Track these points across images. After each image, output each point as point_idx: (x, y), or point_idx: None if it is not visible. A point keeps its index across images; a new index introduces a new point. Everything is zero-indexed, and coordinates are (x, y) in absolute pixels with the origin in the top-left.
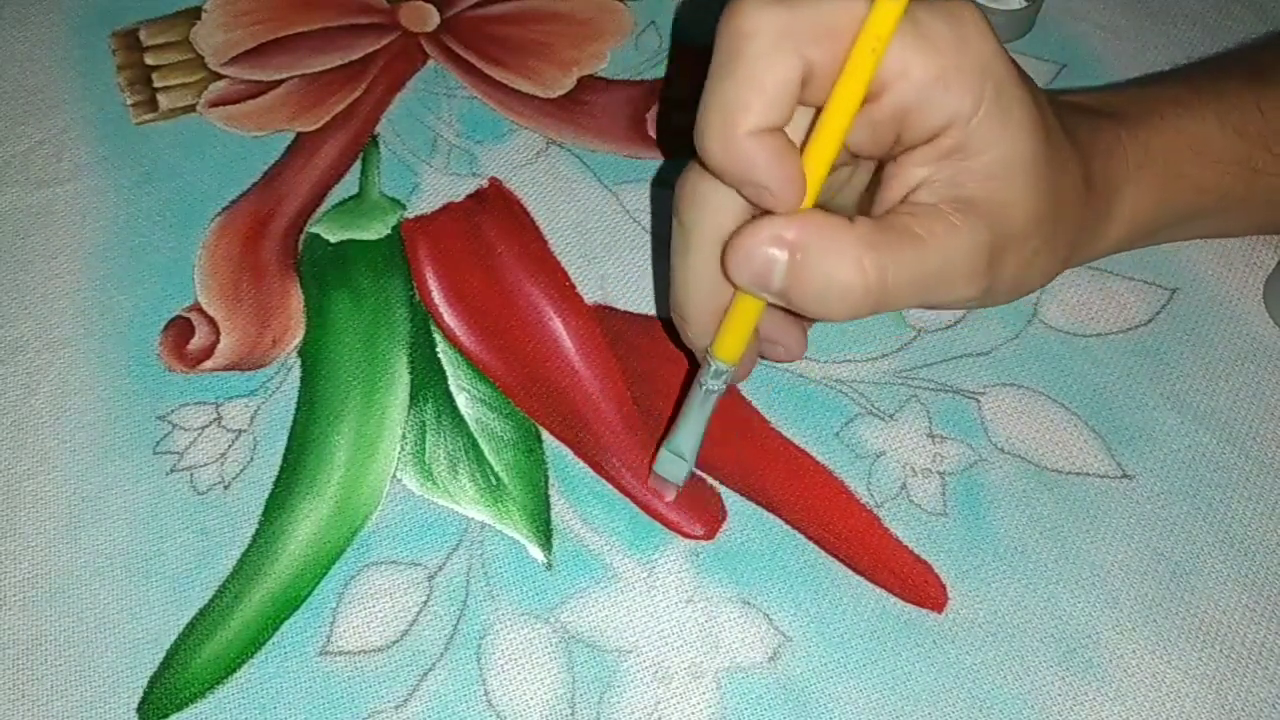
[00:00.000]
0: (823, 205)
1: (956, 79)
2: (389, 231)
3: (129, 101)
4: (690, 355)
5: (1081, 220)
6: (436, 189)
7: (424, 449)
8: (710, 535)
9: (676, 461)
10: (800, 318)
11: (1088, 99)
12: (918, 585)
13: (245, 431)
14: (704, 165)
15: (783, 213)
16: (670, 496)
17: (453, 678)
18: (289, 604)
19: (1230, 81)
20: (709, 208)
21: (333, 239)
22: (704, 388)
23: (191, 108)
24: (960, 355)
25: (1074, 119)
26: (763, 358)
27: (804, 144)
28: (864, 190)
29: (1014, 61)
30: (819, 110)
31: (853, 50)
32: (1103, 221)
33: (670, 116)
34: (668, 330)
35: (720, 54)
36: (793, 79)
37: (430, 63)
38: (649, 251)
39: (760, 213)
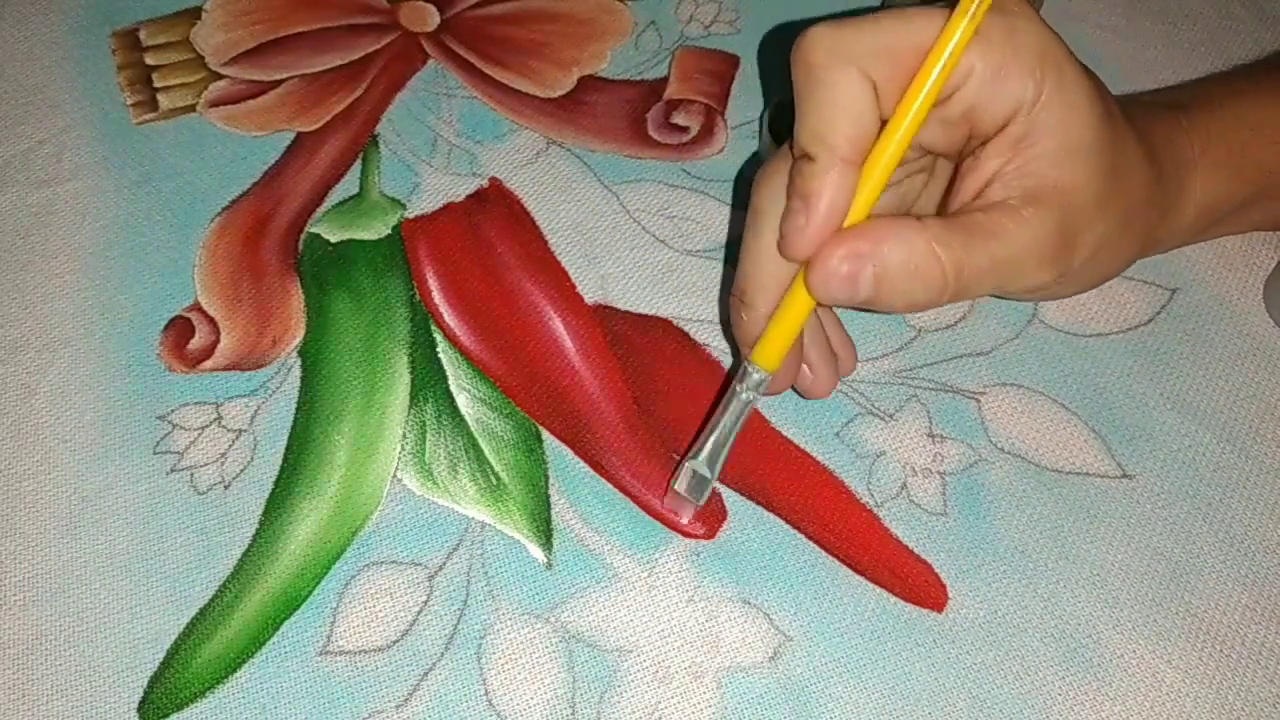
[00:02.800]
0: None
1: (1015, 68)
2: (389, 231)
3: (129, 101)
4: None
5: (1152, 203)
6: (436, 189)
7: (424, 449)
8: (710, 535)
9: (699, 477)
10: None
11: (1145, 96)
12: (918, 585)
13: (245, 431)
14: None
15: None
16: (687, 517)
17: (453, 677)
18: (289, 604)
19: None
20: (780, 195)
21: (333, 239)
22: (740, 396)
23: (191, 108)
24: (960, 355)
25: (1134, 108)
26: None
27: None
28: (942, 197)
29: (1068, 47)
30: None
31: (923, 66)
32: (1175, 205)
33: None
34: (725, 331)
35: (797, 85)
36: (861, 97)
37: (430, 63)
38: (649, 251)
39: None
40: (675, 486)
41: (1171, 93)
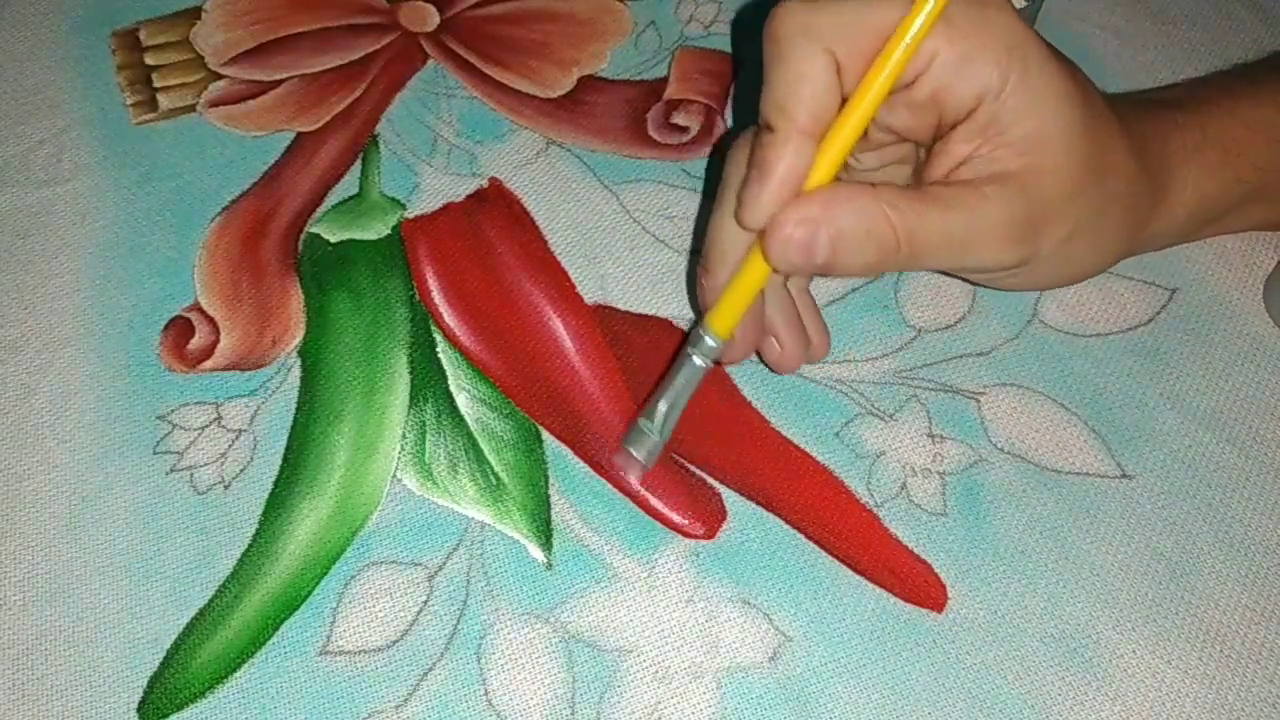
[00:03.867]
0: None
1: (981, 56)
2: (389, 231)
3: (129, 101)
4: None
5: (1137, 198)
6: (436, 189)
7: (424, 449)
8: (710, 535)
9: (648, 437)
10: (805, 325)
11: (1141, 95)
12: (918, 585)
13: (245, 431)
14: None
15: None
16: (635, 477)
17: (453, 678)
18: (289, 604)
19: None
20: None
21: (333, 239)
22: (692, 360)
23: (191, 108)
24: (960, 355)
25: (1126, 107)
26: (762, 359)
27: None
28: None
29: (1046, 42)
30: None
31: (885, 48)
32: (1164, 202)
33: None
34: (691, 299)
35: (765, 56)
36: (822, 73)
37: (430, 63)
38: (649, 251)
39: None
40: (625, 445)
41: (1169, 91)
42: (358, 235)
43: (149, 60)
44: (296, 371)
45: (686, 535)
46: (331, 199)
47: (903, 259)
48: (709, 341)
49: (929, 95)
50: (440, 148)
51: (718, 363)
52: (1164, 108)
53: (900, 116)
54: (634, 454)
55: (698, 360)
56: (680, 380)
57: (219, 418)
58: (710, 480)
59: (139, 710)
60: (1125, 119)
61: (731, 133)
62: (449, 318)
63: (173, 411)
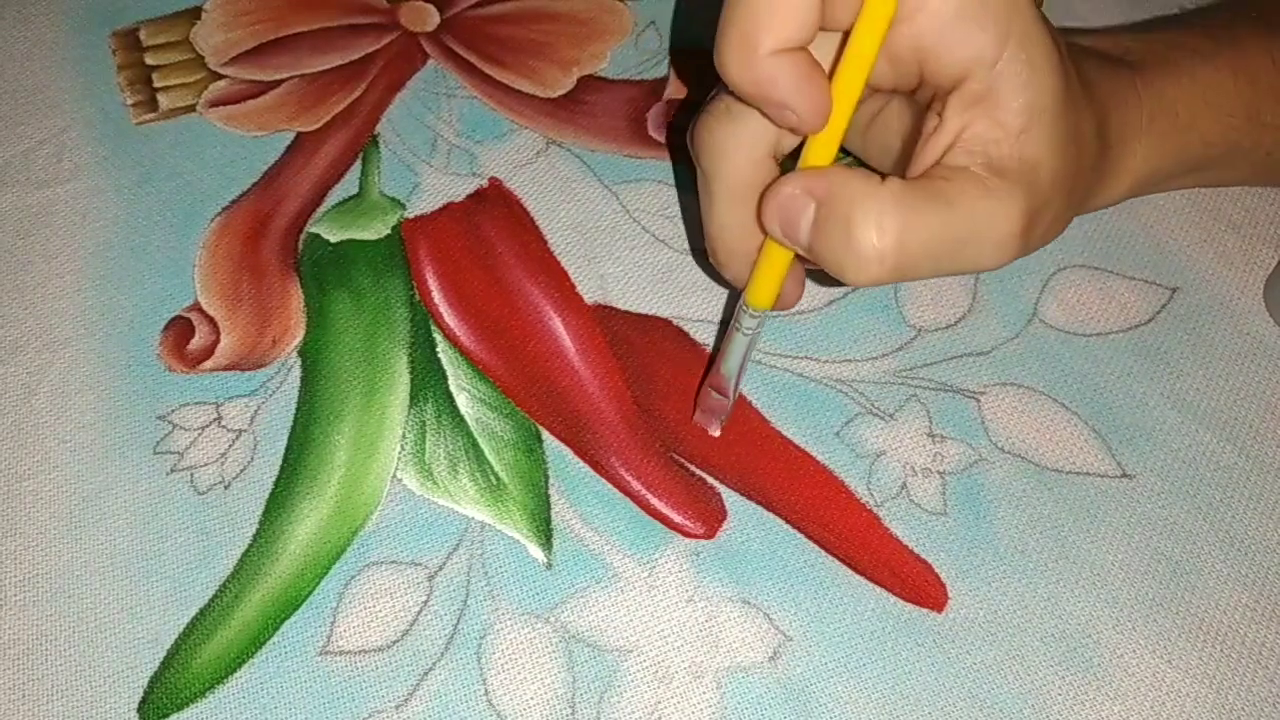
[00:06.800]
0: (860, 159)
1: (979, 16)
2: (389, 231)
3: (129, 101)
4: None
5: (1095, 173)
6: (436, 189)
7: (424, 449)
8: (710, 535)
9: (718, 399)
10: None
11: (1104, 43)
12: (918, 585)
13: (245, 431)
14: (725, 90)
15: (808, 132)
16: (715, 431)
17: (453, 677)
18: (289, 604)
19: (1244, 29)
20: (729, 155)
21: (333, 239)
22: (740, 331)
23: (191, 108)
24: (960, 355)
25: (1091, 67)
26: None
27: (831, 70)
28: (901, 149)
29: (1035, 3)
30: (844, 36)
31: None
32: (1112, 175)
33: (676, 118)
34: (700, 260)
35: None
36: None
37: (430, 63)
38: (649, 251)
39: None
40: (699, 414)
41: (1131, 40)
42: (358, 235)
43: (149, 60)
44: (297, 371)
45: (686, 535)
46: (331, 199)
47: (890, 266)
48: (753, 316)
49: (912, 46)
50: (440, 148)
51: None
52: (1121, 69)
53: (877, 66)
54: (711, 415)
55: (746, 331)
56: (735, 350)
57: (219, 418)
58: (710, 480)
59: (139, 710)
60: (1092, 87)
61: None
62: (449, 318)
63: (173, 411)
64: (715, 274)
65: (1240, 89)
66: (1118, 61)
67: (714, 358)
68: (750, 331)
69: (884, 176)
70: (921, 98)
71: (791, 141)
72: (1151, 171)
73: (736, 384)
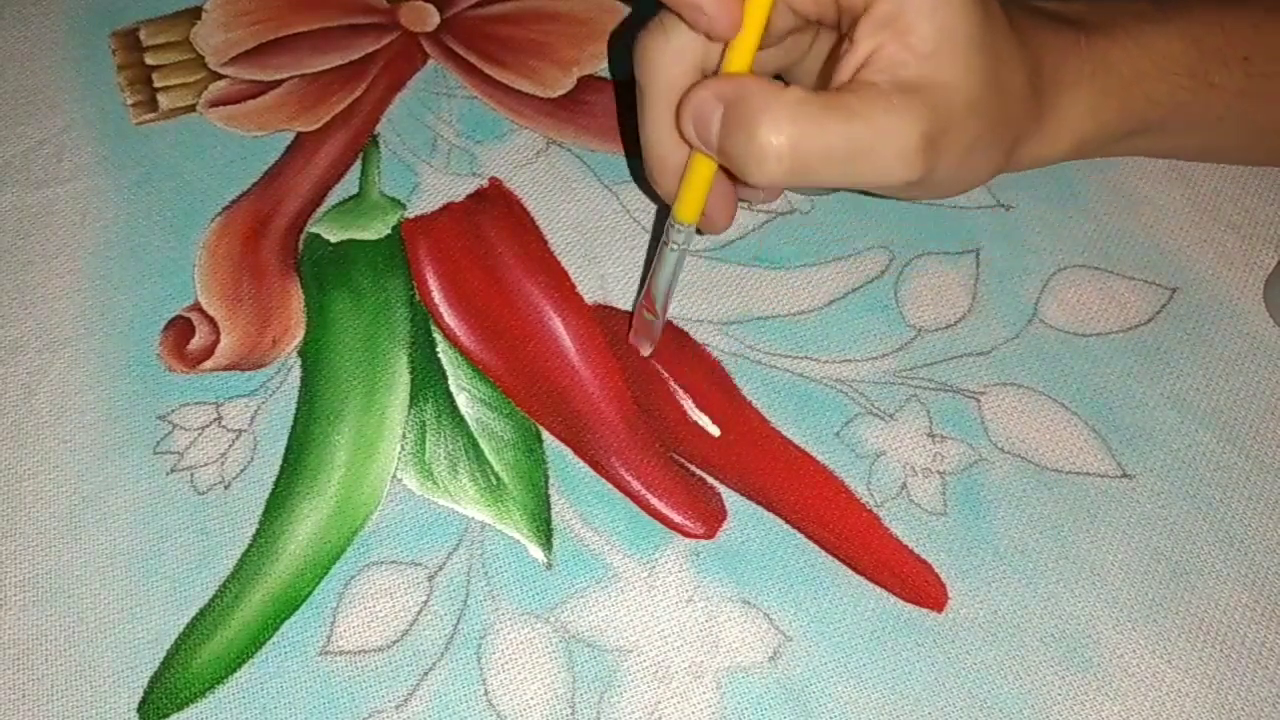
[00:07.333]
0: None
1: None
2: (389, 231)
3: (129, 101)
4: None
5: (1026, 117)
6: (436, 189)
7: (424, 449)
8: (710, 535)
9: (650, 319)
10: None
11: (1051, 5)
12: (918, 585)
13: (245, 431)
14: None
15: (721, 36)
16: (646, 351)
17: (453, 677)
18: (289, 604)
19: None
20: (660, 66)
21: (333, 239)
22: (669, 247)
23: (191, 108)
24: (960, 355)
25: (1030, 17)
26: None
27: None
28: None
29: None
30: None
31: None
32: (1049, 122)
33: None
34: (639, 183)
35: None
36: None
37: (430, 62)
38: (649, 251)
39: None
40: (634, 335)
41: (1075, 6)
42: (358, 235)
43: (149, 60)
44: (297, 371)
45: (686, 535)
46: (332, 199)
47: (786, 167)
48: (679, 230)
49: None
50: (440, 148)
51: (700, 233)
52: (1068, 26)
53: None
54: (643, 336)
55: (675, 250)
56: (668, 268)
57: (219, 418)
58: (710, 480)
59: (139, 710)
60: (1024, 33)
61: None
62: (449, 318)
63: (173, 411)
64: (654, 193)
65: (1187, 49)
66: (1063, 20)
67: (644, 279)
68: (678, 247)
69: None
70: (844, 28)
71: (717, 56)
72: (1098, 128)
73: (666, 301)
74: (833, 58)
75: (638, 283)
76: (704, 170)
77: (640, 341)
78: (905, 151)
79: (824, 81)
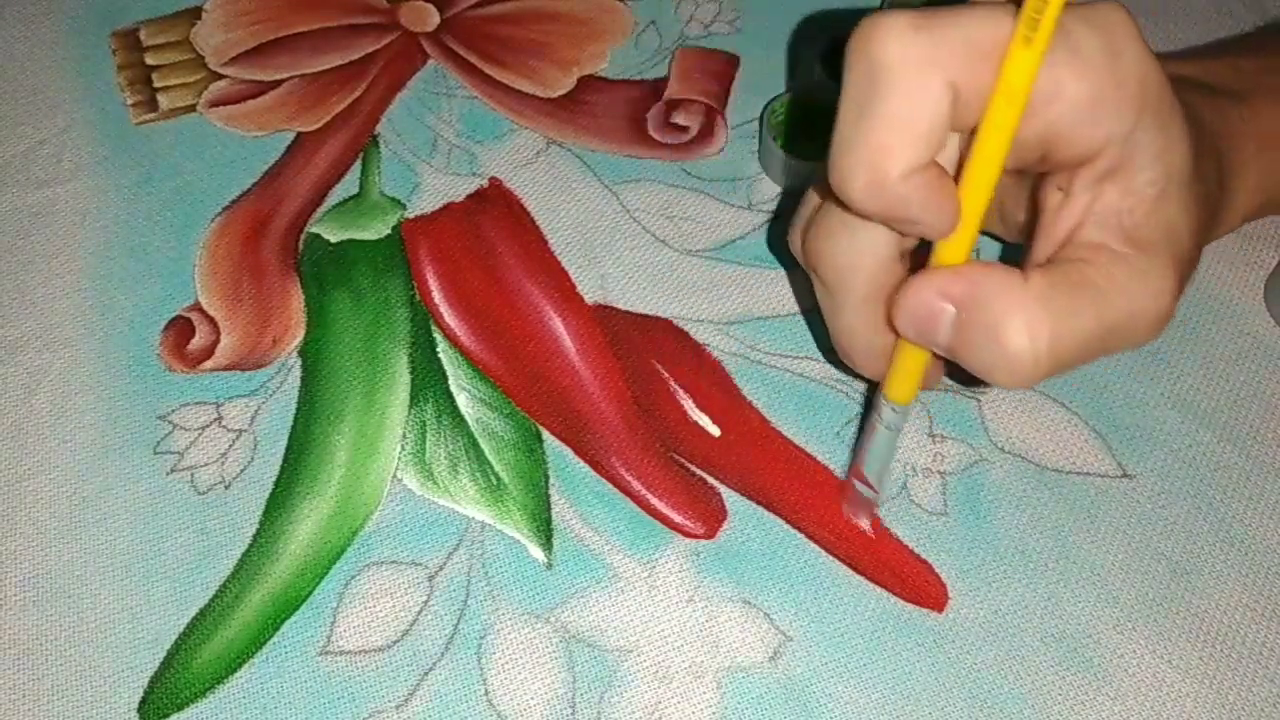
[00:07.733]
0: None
1: (1114, 98)
2: (389, 231)
3: (129, 101)
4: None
5: (1213, 220)
6: (437, 189)
7: (424, 449)
8: (710, 535)
9: (868, 494)
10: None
11: (1190, 70)
12: (918, 585)
13: (246, 431)
14: (846, 208)
15: (937, 239)
16: (865, 526)
17: (453, 677)
18: (289, 604)
19: None
20: (853, 267)
21: (333, 239)
22: (883, 426)
23: (191, 108)
24: None
25: (1197, 103)
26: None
27: (958, 171)
28: (1020, 214)
29: (1159, 64)
30: (971, 132)
31: (1002, 75)
32: (1226, 212)
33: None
34: (830, 359)
35: (857, 88)
36: (943, 112)
37: (430, 63)
38: (649, 251)
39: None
40: (848, 509)
41: (1210, 64)
42: (358, 235)
43: (149, 60)
44: (297, 371)
45: (687, 535)
46: (332, 199)
47: (1044, 369)
48: (895, 411)
49: (1042, 134)
50: (440, 148)
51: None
52: (1225, 102)
53: None
54: (860, 510)
55: (890, 425)
56: (882, 447)
57: (219, 418)
58: (710, 480)
59: (139, 710)
60: (1201, 125)
61: (735, 136)
62: (449, 318)
63: (173, 411)
64: (849, 368)
65: None
66: (1218, 92)
67: (856, 448)
68: (894, 427)
69: (1023, 269)
70: (1038, 170)
71: (914, 239)
72: (1260, 204)
73: (882, 477)
74: (1029, 204)
75: (637, 283)
76: (919, 356)
77: (858, 517)
78: (1162, 313)
79: (1005, 213)
